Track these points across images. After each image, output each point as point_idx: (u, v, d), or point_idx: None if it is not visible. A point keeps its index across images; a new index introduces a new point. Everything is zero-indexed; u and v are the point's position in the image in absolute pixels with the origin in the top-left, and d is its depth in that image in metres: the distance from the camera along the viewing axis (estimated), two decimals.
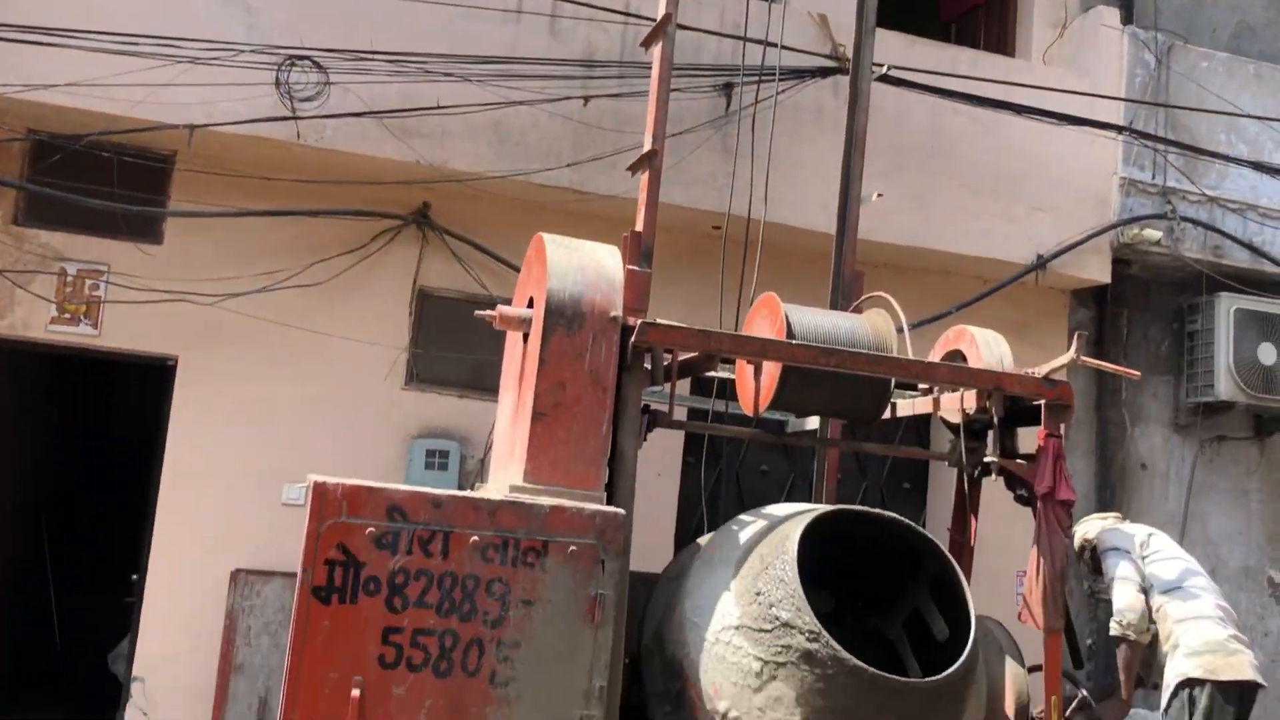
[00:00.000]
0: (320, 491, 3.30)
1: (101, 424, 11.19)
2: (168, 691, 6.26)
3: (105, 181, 6.23)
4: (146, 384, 7.05)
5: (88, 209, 6.18)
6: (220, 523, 6.41)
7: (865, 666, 3.45)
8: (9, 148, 6.31)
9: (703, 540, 4.24)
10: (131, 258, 6.40)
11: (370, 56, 6.17)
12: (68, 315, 6.34)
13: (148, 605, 6.37)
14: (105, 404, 11.18)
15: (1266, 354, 7.81)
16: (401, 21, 6.30)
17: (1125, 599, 4.33)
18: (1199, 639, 4.24)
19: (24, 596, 9.73)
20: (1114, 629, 4.30)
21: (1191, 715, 4.11)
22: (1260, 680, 4.23)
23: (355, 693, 3.21)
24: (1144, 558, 4.48)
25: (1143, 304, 8.31)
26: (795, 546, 3.64)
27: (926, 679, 3.57)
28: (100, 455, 11.03)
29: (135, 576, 6.54)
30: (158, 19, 5.96)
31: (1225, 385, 7.75)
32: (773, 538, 3.78)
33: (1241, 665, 4.20)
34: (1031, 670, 4.24)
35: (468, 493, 3.64)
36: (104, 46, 5.81)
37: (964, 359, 4.54)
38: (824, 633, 3.47)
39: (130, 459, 9.74)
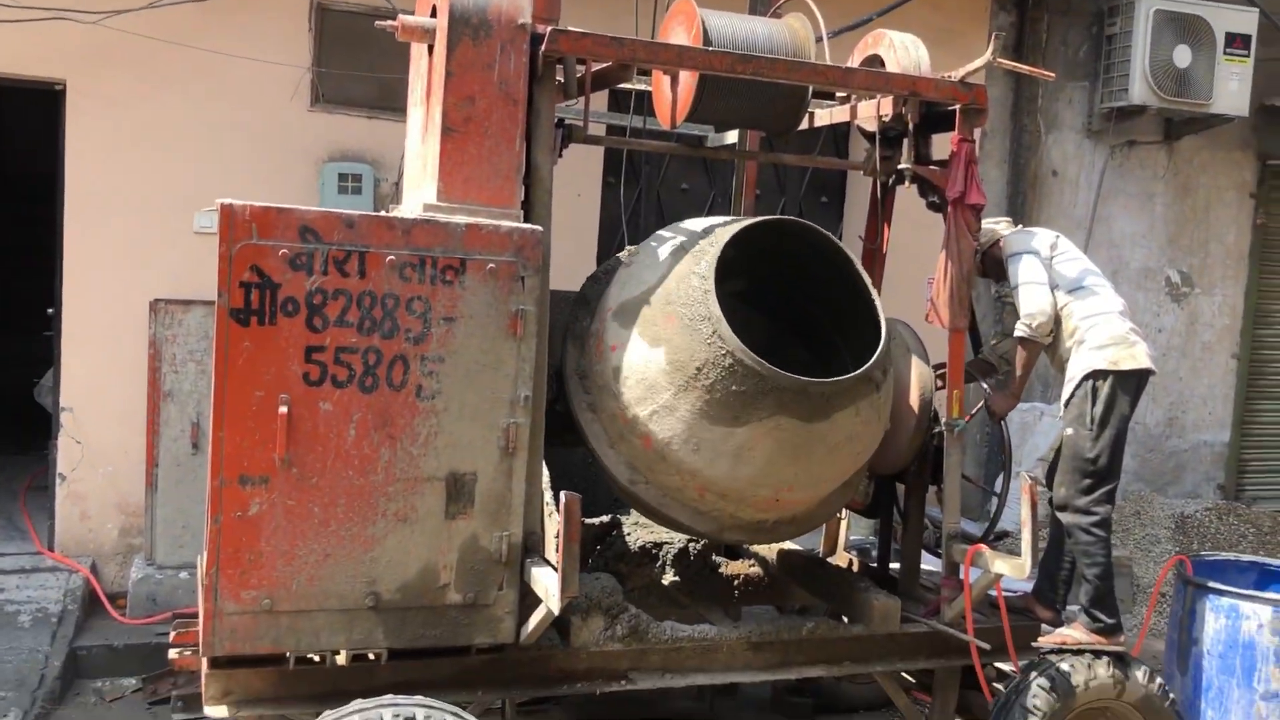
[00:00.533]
0: (229, 214, 3.24)
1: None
2: (98, 420, 6.33)
3: None
4: (36, 111, 6.69)
5: None
6: (133, 253, 6.28)
7: (771, 367, 3.60)
8: None
9: (623, 254, 4.28)
10: None
11: None
12: None
13: (67, 337, 6.32)
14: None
15: (1182, 56, 7.82)
16: None
17: (1036, 302, 4.45)
18: (1104, 334, 4.42)
19: None
20: (1021, 330, 4.46)
21: (1094, 404, 4.35)
22: (1154, 368, 4.48)
23: (283, 410, 3.28)
24: (1050, 259, 4.59)
25: (1063, 7, 8.19)
26: (714, 259, 3.70)
27: (835, 378, 3.73)
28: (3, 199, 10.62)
29: (50, 311, 6.46)
30: None
31: (1139, 89, 7.78)
32: (692, 253, 3.83)
33: (1140, 355, 4.42)
34: (937, 368, 4.46)
35: (381, 213, 3.60)
36: None
37: (881, 63, 4.48)
38: (737, 342, 3.59)
39: (30, 191, 9.41)
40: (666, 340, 3.71)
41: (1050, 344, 4.53)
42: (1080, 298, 4.51)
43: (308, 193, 6.53)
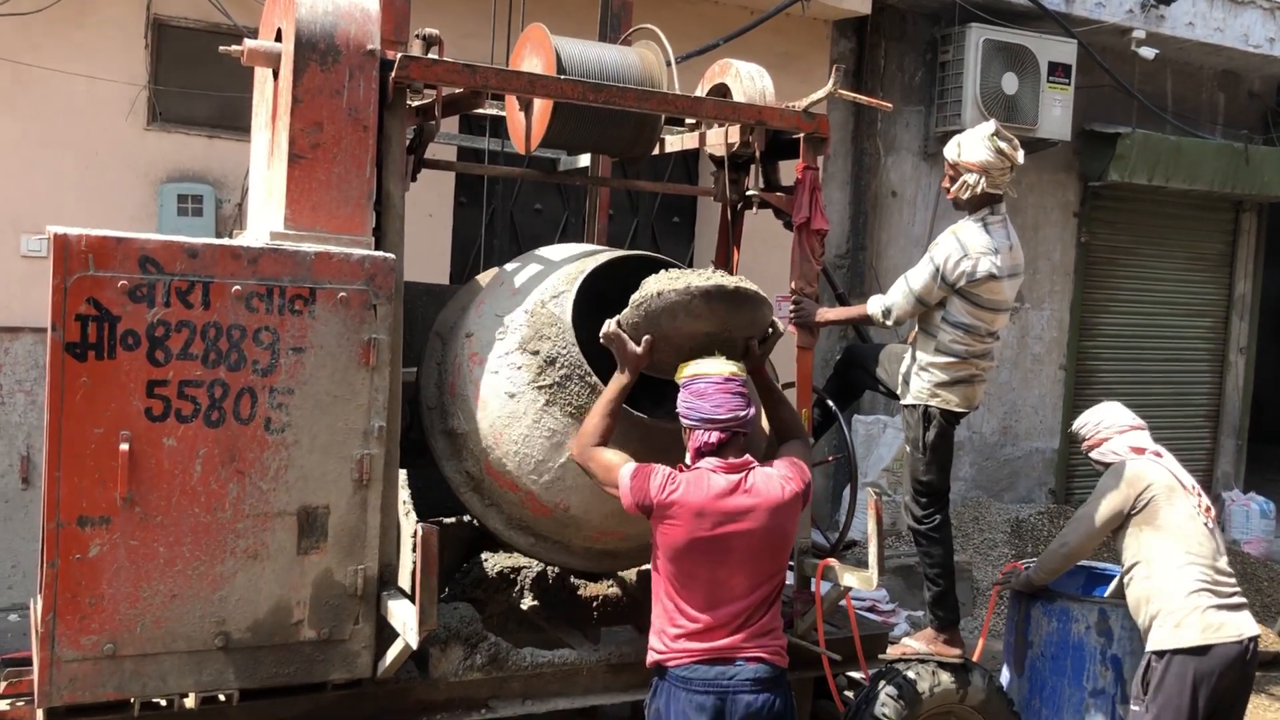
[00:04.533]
0: (63, 244, 3.10)
1: None
2: None
3: None
4: None
5: None
6: None
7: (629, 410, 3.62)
8: None
9: (482, 279, 4.26)
10: None
11: None
12: None
13: None
14: None
15: (1009, 84, 8.25)
16: None
17: (900, 305, 4.43)
18: (950, 372, 4.52)
19: None
20: (873, 309, 4.54)
21: (925, 432, 4.52)
22: (979, 405, 4.70)
23: (124, 447, 3.15)
24: (952, 284, 4.46)
25: (900, 35, 8.55)
26: (569, 305, 3.68)
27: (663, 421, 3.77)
28: None
29: None
30: None
31: (971, 114, 8.17)
32: (548, 283, 3.84)
33: (973, 397, 4.61)
34: (786, 386, 4.58)
35: (226, 241, 3.51)
36: None
37: (728, 93, 4.60)
38: (585, 364, 3.63)
39: None
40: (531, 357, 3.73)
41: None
42: (948, 330, 4.49)
43: (145, 214, 6.30)
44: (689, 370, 3.42)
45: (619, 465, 3.39)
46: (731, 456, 3.35)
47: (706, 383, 3.37)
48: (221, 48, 3.77)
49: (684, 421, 3.40)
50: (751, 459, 3.41)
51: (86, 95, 6.13)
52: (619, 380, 3.50)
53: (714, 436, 3.34)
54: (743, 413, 3.37)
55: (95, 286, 3.12)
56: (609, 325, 3.50)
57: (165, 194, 6.29)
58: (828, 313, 4.55)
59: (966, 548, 7.96)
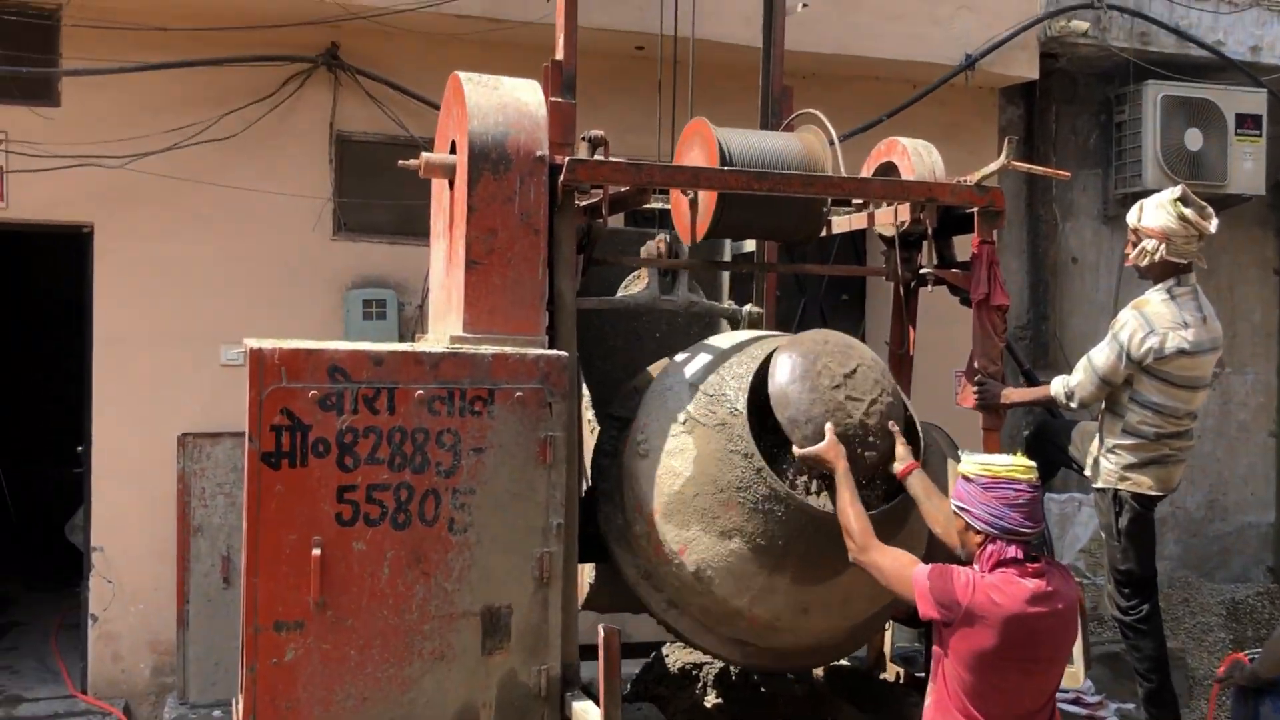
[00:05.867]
0: (258, 358, 3.25)
1: (26, 291, 10.88)
2: (129, 557, 6.30)
3: None
4: (66, 250, 6.83)
5: None
6: (160, 387, 6.33)
7: (813, 506, 3.51)
8: None
9: (653, 370, 4.26)
10: (29, 123, 6.07)
11: None
12: None
13: (97, 474, 6.34)
14: (27, 272, 10.86)
15: (1193, 140, 7.86)
16: None
17: (1085, 388, 4.31)
18: (1139, 454, 4.28)
19: None
20: (1056, 389, 4.38)
21: (1118, 518, 4.26)
22: (1175, 488, 4.40)
23: (316, 552, 3.25)
24: (1139, 362, 4.29)
25: (1071, 97, 8.29)
26: (745, 427, 3.60)
27: (882, 507, 3.64)
28: (28, 324, 10.79)
29: (80, 449, 6.49)
30: None
31: (1152, 174, 7.81)
32: (716, 378, 3.79)
33: (1168, 479, 4.34)
34: None
35: (408, 347, 3.61)
36: None
37: (896, 171, 4.52)
38: (767, 469, 3.52)
39: (59, 326, 9.55)
40: (739, 529, 3.61)
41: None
42: (1136, 410, 4.26)
43: (333, 319, 6.59)
44: (990, 469, 3.10)
45: (910, 564, 3.17)
46: (1026, 560, 3.07)
47: (1018, 489, 3.04)
48: (400, 161, 3.93)
49: (980, 526, 3.08)
50: (1041, 556, 3.13)
51: (277, 211, 6.49)
52: (841, 475, 3.40)
53: (1018, 551, 3.04)
54: (1043, 523, 3.16)
55: (288, 397, 3.25)
56: (796, 452, 3.52)
57: (351, 300, 6.58)
58: (1013, 394, 4.37)
59: (1178, 633, 7.41)
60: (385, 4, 6.13)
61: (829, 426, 3.48)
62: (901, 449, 3.59)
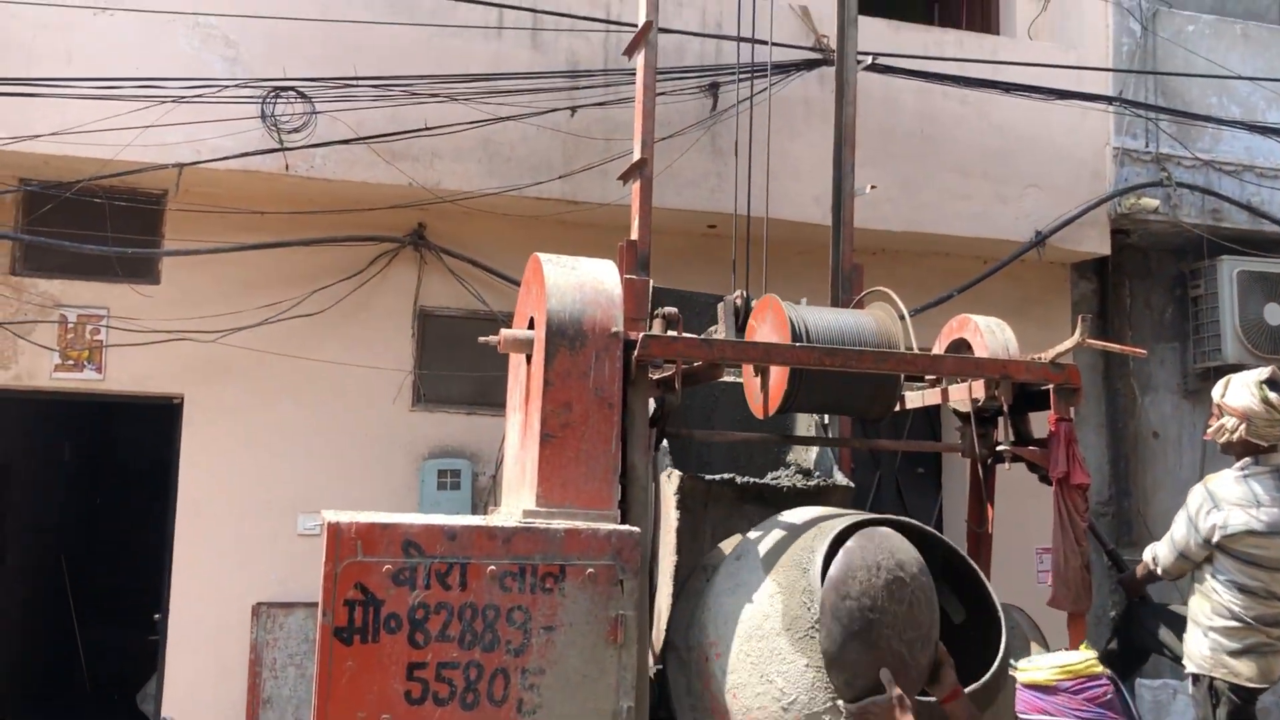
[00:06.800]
0: (334, 532, 3.29)
1: (113, 460, 11.23)
2: None
3: (99, 225, 6.24)
4: (155, 420, 7.07)
5: (83, 254, 6.19)
6: (238, 556, 6.42)
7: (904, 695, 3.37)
8: (1, 200, 6.31)
9: (725, 546, 4.22)
10: (130, 300, 6.40)
11: (355, 83, 6.16)
12: (71, 362, 6.35)
13: (172, 643, 6.38)
14: (114, 440, 11.23)
15: (1273, 314, 7.78)
16: (383, 44, 6.29)
17: (1166, 557, 4.32)
18: (1232, 640, 4.15)
19: (48, 631, 9.78)
20: (1147, 558, 4.31)
21: (1214, 710, 4.06)
22: (1270, 683, 4.20)
23: None
24: (1208, 538, 4.23)
25: (1144, 272, 8.29)
26: (818, 570, 3.54)
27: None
28: (113, 490, 11.09)
29: (157, 616, 6.55)
30: (139, 60, 5.95)
31: (1232, 348, 7.71)
32: (792, 553, 3.75)
33: (1268, 670, 4.16)
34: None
35: (481, 521, 3.63)
36: (87, 92, 5.80)
37: (969, 348, 4.52)
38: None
39: (143, 492, 9.81)
40: None
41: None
42: (1221, 590, 4.15)
43: (408, 489, 6.68)
44: (1069, 670, 2.90)
45: None
46: None
47: (1102, 685, 2.84)
48: (481, 338, 4.04)
49: None
50: None
51: (359, 383, 6.69)
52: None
53: None
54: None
55: (363, 572, 3.27)
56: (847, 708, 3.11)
57: (426, 470, 6.68)
58: (1134, 582, 4.33)
59: None
60: (467, 188, 6.42)
61: (884, 673, 3.02)
62: (947, 671, 3.14)
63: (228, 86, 6.03)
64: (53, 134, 5.78)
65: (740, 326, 4.53)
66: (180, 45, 6.06)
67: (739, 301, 4.53)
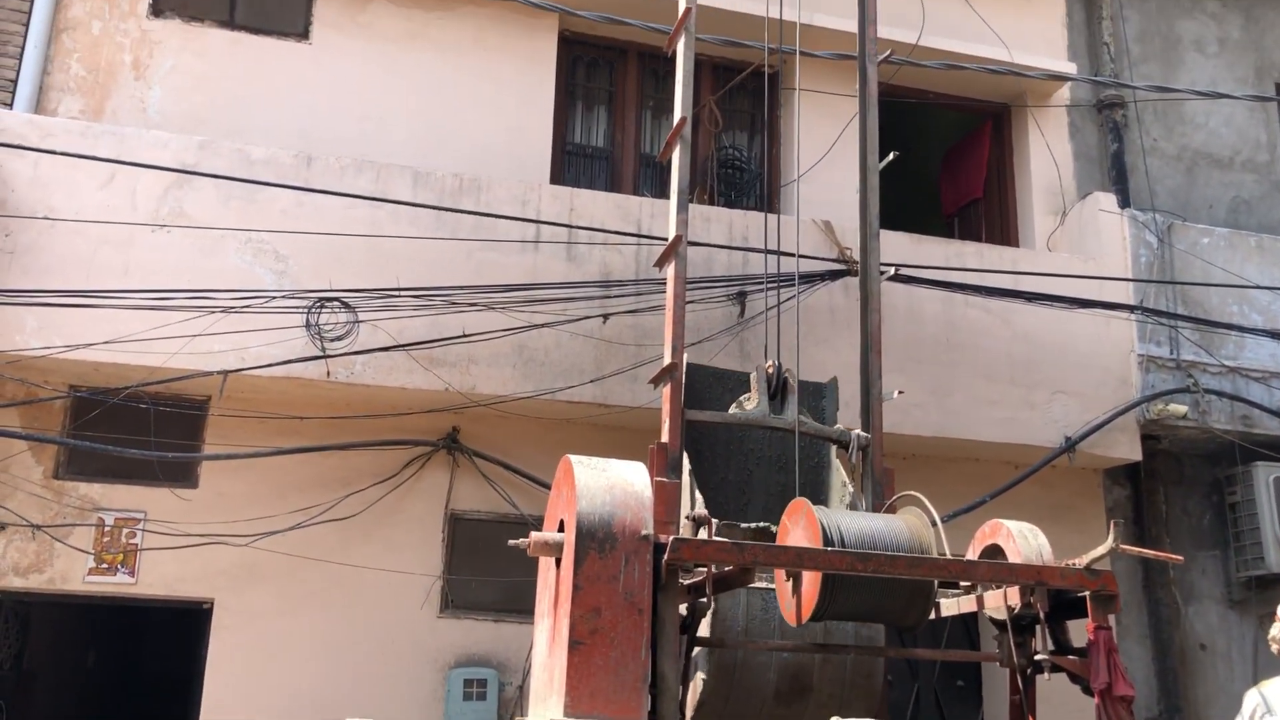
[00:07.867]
0: None
1: (138, 665, 11.09)
2: None
3: (142, 430, 6.38)
4: (184, 624, 7.02)
5: (125, 458, 6.32)
6: None
7: None
8: (50, 405, 6.50)
9: None
10: (168, 504, 6.48)
11: (397, 293, 6.41)
12: (105, 565, 6.38)
13: None
14: (141, 645, 11.11)
15: None
16: (425, 256, 6.56)
17: None
18: None
19: None
20: None
21: None
22: None
23: None
24: None
25: (1178, 478, 8.22)
26: None
27: None
28: (137, 696, 10.89)
29: None
30: (193, 273, 6.24)
31: (1275, 557, 7.58)
32: None
33: None
34: None
35: None
36: (141, 303, 6.06)
37: (1001, 554, 4.48)
38: None
39: (165, 702, 9.62)
40: None
41: None
42: None
43: (434, 699, 6.54)
44: None
45: None
46: None
47: None
48: (510, 541, 4.06)
49: None
50: None
51: (388, 587, 6.66)
52: None
53: None
54: None
55: None
56: None
57: (453, 679, 6.55)
58: None
59: None
60: (502, 392, 6.56)
61: None
62: None
63: (275, 297, 6.28)
64: (105, 342, 6.01)
65: (772, 395, 4.76)
66: (231, 259, 6.35)
67: (770, 370, 4.72)
